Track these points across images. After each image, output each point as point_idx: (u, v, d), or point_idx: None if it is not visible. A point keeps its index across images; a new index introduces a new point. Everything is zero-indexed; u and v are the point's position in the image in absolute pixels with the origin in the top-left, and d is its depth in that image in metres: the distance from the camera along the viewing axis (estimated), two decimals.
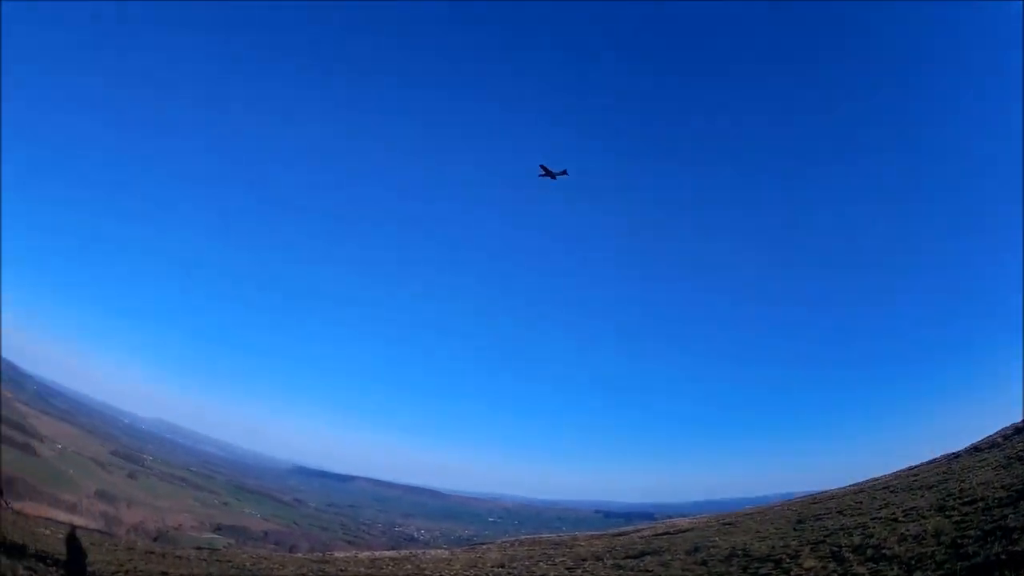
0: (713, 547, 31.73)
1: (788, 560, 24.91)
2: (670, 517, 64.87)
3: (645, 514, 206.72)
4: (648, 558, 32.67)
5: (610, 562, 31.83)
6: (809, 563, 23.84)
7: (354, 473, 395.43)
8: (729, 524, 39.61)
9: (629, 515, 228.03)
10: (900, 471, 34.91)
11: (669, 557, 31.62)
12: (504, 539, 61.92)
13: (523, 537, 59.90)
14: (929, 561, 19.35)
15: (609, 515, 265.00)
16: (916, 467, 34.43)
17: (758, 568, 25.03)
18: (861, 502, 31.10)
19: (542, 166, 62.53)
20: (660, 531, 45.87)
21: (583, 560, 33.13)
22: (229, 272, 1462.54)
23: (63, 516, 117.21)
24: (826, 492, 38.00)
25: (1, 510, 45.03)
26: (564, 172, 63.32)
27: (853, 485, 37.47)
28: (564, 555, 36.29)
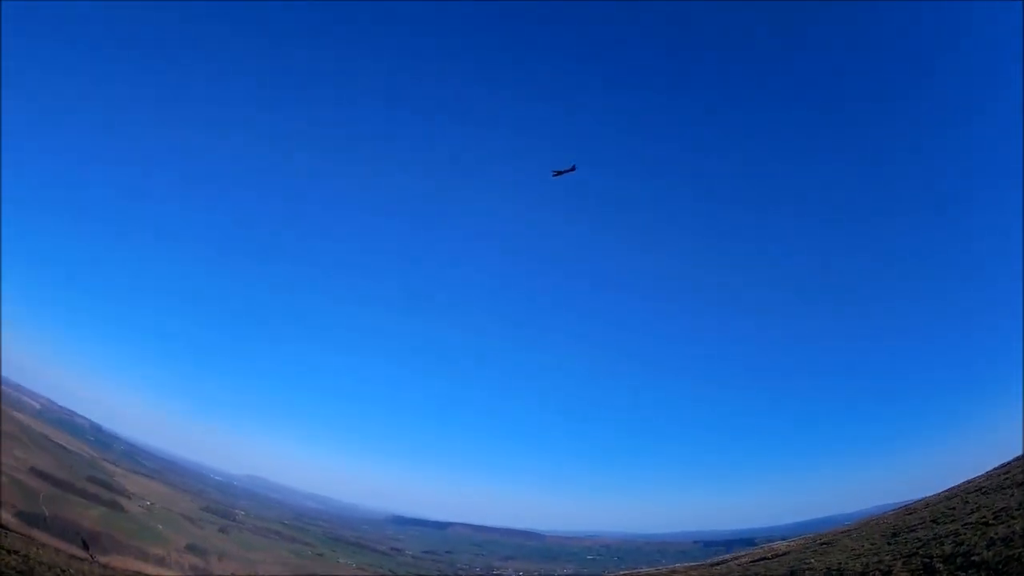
0: (809, 569, 31.96)
1: None
2: (770, 541, 63.48)
3: (745, 540, 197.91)
4: None
5: None
6: None
7: (451, 519, 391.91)
8: (826, 544, 39.32)
9: (729, 542, 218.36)
10: (992, 470, 34.03)
11: None
12: (603, 575, 62.26)
13: (621, 573, 60.19)
14: (1015, 564, 19.79)
15: (709, 544, 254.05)
16: (1008, 463, 33.49)
17: None
18: (954, 508, 30.81)
19: (553, 171, 68.23)
20: (757, 557, 45.64)
21: None
22: (312, 328, 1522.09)
23: (151, 569, 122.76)
24: (921, 500, 37.28)
25: (87, 564, 49.31)
26: (573, 168, 68.21)
27: (947, 490, 36.65)
28: None
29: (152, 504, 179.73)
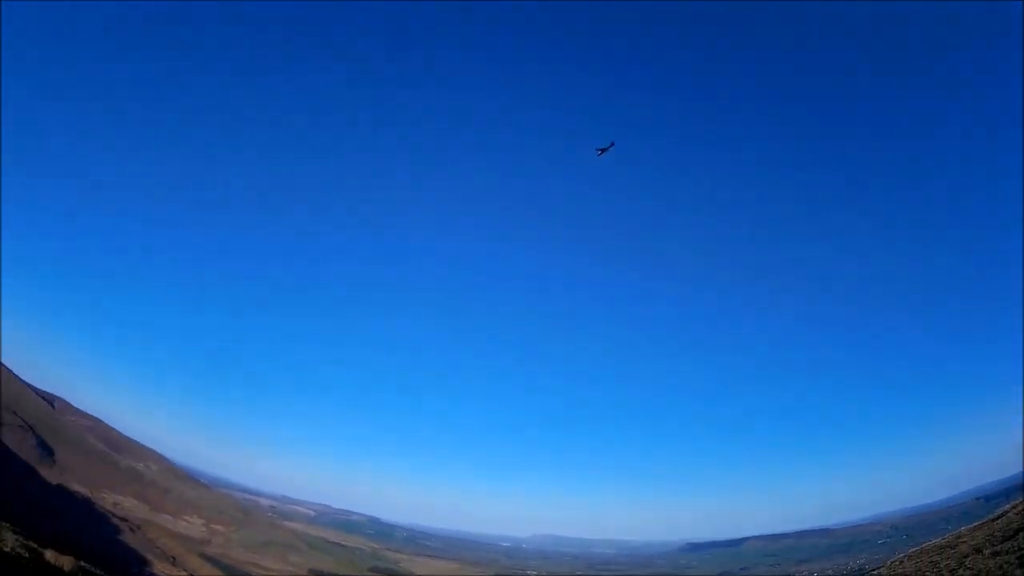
0: None
1: None
2: None
3: (1022, 485, 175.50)
4: (1022, 535, 36.27)
5: (988, 551, 36.14)
6: None
7: (743, 535, 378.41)
8: None
9: (1008, 491, 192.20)
10: None
11: None
12: (892, 559, 63.41)
13: (910, 551, 60.87)
14: None
15: (989, 499, 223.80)
16: None
17: None
18: None
19: (597, 148, 70.82)
20: None
21: (965, 557, 37.72)
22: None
23: None
24: None
25: None
26: (612, 144, 71.12)
27: None
28: (948, 558, 40.66)
29: None
